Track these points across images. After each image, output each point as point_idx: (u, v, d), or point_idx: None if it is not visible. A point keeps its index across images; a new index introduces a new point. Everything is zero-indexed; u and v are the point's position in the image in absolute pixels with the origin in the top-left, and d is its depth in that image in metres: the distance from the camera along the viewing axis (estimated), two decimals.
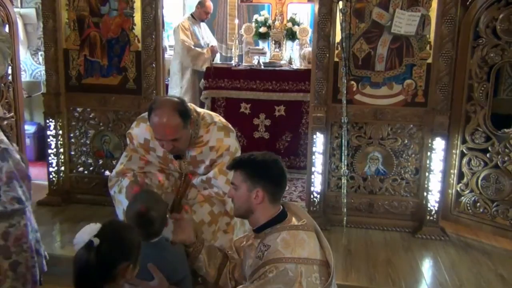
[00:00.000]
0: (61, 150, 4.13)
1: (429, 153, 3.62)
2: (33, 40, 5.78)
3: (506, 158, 3.54)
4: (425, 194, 3.67)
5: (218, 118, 2.54)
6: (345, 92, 3.58)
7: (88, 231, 1.59)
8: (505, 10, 3.44)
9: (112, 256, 1.59)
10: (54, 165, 4.12)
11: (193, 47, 5.53)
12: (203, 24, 5.97)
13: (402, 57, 3.59)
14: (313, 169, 3.75)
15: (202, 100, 5.30)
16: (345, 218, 3.65)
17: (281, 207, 1.93)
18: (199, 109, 2.54)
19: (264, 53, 5.54)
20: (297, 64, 5.35)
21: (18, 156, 2.38)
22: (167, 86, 5.48)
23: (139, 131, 2.53)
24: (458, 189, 3.78)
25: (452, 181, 3.78)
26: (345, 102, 3.59)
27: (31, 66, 5.85)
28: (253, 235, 1.98)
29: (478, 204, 3.69)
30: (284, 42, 5.59)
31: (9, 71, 4.04)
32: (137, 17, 3.84)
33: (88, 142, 4.16)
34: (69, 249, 3.28)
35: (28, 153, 5.06)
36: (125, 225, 1.80)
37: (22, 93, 4.73)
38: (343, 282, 2.93)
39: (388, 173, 3.78)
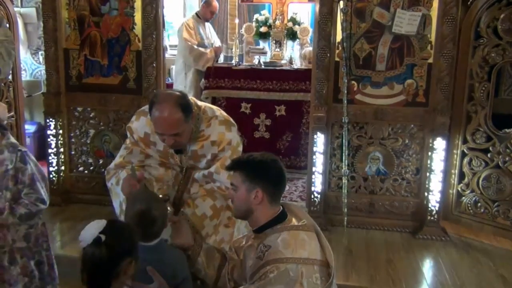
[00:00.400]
0: (61, 149, 4.13)
1: (430, 153, 3.61)
2: (34, 39, 5.78)
3: (507, 158, 3.54)
4: (426, 194, 3.66)
5: (219, 112, 2.51)
6: (345, 92, 3.58)
7: (95, 227, 1.60)
8: (506, 10, 3.44)
9: (119, 251, 1.61)
10: (54, 164, 4.12)
11: (195, 46, 5.49)
12: (207, 24, 5.92)
13: (403, 57, 3.58)
14: (313, 169, 3.75)
15: (203, 99, 5.30)
16: (345, 218, 3.64)
17: (281, 207, 1.92)
18: (200, 103, 2.50)
19: (264, 53, 5.54)
20: (297, 64, 5.35)
21: (33, 158, 2.45)
22: (167, 85, 5.47)
23: (139, 124, 2.50)
24: (459, 189, 3.78)
25: (453, 181, 3.77)
26: (345, 102, 3.58)
27: (31, 65, 5.85)
28: (252, 235, 1.97)
29: (479, 204, 3.69)
30: (284, 42, 5.59)
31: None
32: (138, 17, 3.83)
33: (88, 141, 4.15)
34: (70, 249, 3.28)
35: None
36: (124, 222, 1.80)
37: (22, 93, 4.73)
38: (344, 283, 2.93)
39: (388, 173, 3.77)
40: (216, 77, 5.14)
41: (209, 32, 5.95)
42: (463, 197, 3.76)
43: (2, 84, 3.99)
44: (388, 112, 3.66)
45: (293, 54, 5.54)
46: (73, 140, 4.18)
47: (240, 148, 2.49)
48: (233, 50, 5.58)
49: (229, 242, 2.41)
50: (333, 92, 3.68)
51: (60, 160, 4.13)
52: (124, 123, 4.00)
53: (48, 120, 4.06)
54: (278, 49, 5.58)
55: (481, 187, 3.66)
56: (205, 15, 5.77)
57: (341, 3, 3.48)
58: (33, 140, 5.51)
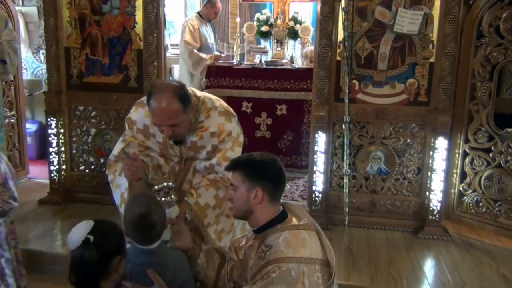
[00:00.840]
0: (62, 148, 4.13)
1: (431, 153, 3.60)
2: (35, 38, 5.79)
3: (509, 158, 3.53)
4: (427, 193, 3.65)
5: (219, 102, 2.47)
6: (347, 91, 3.57)
7: (83, 228, 1.59)
8: (508, 9, 3.43)
9: (109, 250, 1.61)
10: (55, 163, 4.12)
11: (195, 51, 5.42)
12: (208, 24, 5.91)
13: (404, 56, 3.57)
14: (315, 168, 3.74)
15: None
16: (347, 218, 3.64)
17: (281, 207, 1.92)
18: (199, 93, 2.47)
19: (266, 52, 5.53)
20: (299, 63, 5.34)
21: (4, 156, 2.52)
22: None
23: (138, 116, 2.46)
24: (461, 189, 3.77)
25: (454, 181, 3.77)
26: (347, 101, 3.57)
27: (32, 64, 5.85)
28: (252, 235, 1.96)
29: (481, 204, 3.68)
30: (286, 41, 5.57)
31: None
32: (139, 16, 3.83)
33: (89, 140, 4.15)
34: None
35: (29, 152, 5.07)
36: (111, 221, 1.78)
37: (23, 92, 4.75)
38: (345, 282, 2.93)
39: (390, 172, 3.77)
40: (217, 76, 5.14)
41: (211, 33, 5.94)
42: (465, 197, 3.75)
43: (4, 83, 4.00)
44: (389, 111, 3.65)
45: (295, 53, 5.53)
46: (74, 139, 4.18)
47: (241, 139, 2.45)
48: (234, 49, 5.57)
49: (229, 232, 2.41)
50: (335, 91, 3.67)
51: (61, 159, 4.13)
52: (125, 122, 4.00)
53: (49, 119, 4.06)
54: (279, 48, 5.57)
55: (483, 186, 3.65)
56: (208, 15, 5.74)
57: (343, 2, 3.48)
58: (34, 139, 5.52)
